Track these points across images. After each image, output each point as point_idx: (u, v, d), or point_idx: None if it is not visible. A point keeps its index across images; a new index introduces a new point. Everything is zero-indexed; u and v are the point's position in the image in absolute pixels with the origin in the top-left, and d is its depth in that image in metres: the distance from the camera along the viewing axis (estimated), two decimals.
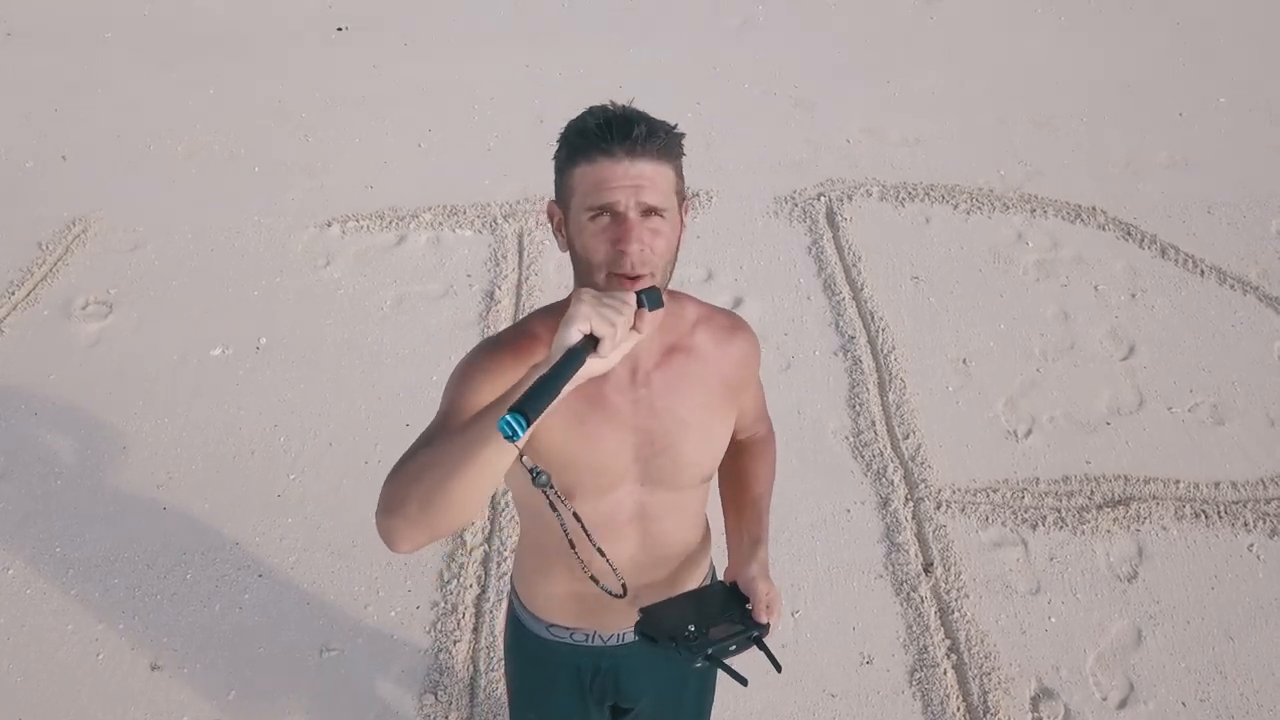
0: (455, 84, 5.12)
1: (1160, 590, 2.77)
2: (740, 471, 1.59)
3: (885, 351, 3.48)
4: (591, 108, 1.23)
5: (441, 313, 3.68)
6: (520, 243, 4.00)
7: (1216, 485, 3.07)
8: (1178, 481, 3.07)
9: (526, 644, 1.63)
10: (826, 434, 3.20)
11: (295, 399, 3.34)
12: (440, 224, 4.12)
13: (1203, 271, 3.87)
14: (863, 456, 3.13)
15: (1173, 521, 2.95)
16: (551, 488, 1.18)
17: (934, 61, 5.29)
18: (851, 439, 3.19)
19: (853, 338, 3.54)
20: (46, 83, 5.20)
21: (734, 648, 1.31)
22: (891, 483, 3.04)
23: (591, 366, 1.09)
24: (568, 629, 1.58)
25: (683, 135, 1.25)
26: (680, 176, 1.26)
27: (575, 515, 1.25)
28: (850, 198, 4.24)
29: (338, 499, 3.02)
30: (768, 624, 1.35)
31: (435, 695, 2.53)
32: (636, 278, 1.19)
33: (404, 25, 5.70)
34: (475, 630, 2.67)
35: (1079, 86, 5.06)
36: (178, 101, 5.01)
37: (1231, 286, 3.80)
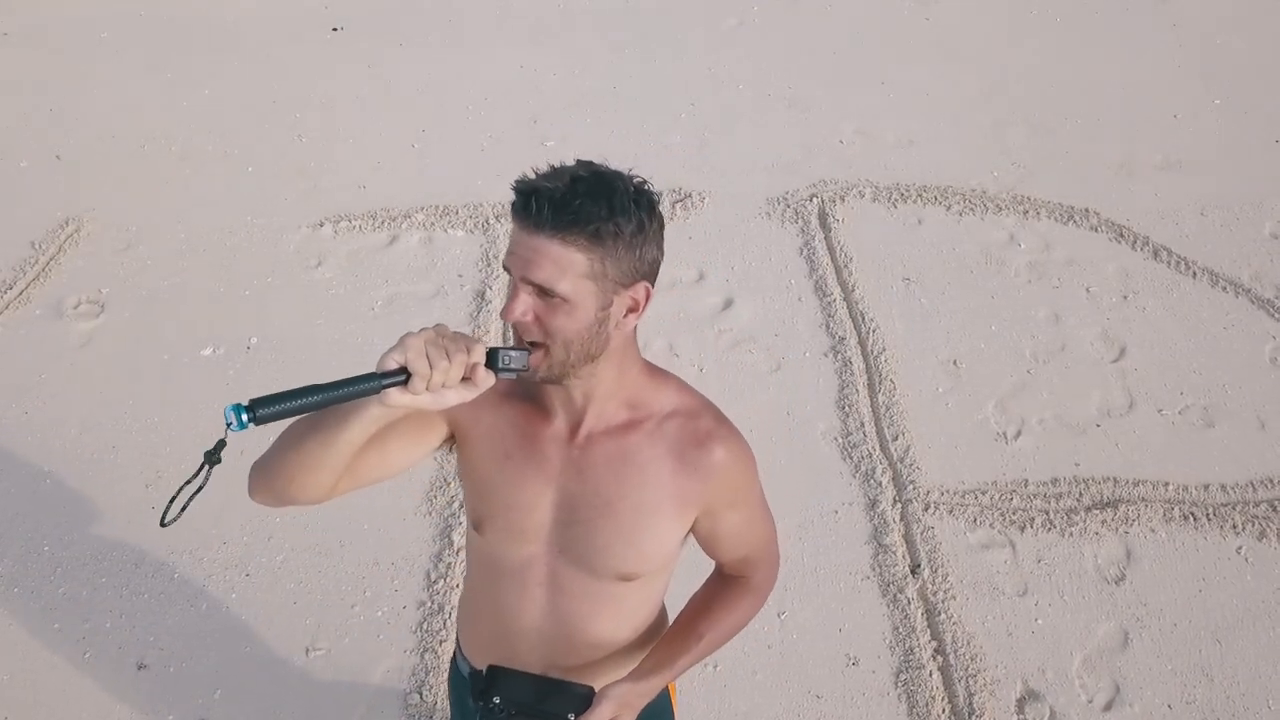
0: (449, 84, 5.13)
1: (1147, 593, 2.77)
2: (701, 602, 1.49)
3: (876, 353, 3.48)
4: (555, 167, 1.19)
5: (432, 313, 3.68)
6: None
7: (1206, 488, 3.06)
8: (1167, 484, 3.07)
9: (458, 680, 1.65)
10: (815, 435, 3.20)
11: None
12: (432, 224, 4.12)
13: (1195, 274, 3.87)
14: (851, 458, 3.13)
15: (1161, 524, 2.95)
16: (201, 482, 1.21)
17: (929, 62, 5.29)
18: (840, 440, 3.19)
19: (843, 339, 3.54)
20: (42, 82, 5.21)
21: None
22: (880, 484, 3.04)
23: (411, 400, 1.07)
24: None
25: (619, 226, 1.15)
26: (608, 264, 1.16)
27: None
28: (843, 199, 4.24)
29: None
30: None
31: (420, 695, 2.53)
32: (533, 343, 1.18)
33: (400, 26, 5.70)
34: None
35: (1074, 88, 5.06)
36: (172, 102, 5.01)
37: (1224, 289, 3.80)
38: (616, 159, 4.44)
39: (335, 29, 5.66)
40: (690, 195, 4.26)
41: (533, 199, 1.13)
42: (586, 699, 1.33)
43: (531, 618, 1.42)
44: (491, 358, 1.11)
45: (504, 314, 1.18)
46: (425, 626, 2.68)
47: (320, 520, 2.95)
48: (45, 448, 3.21)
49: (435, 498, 3.00)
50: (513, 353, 1.13)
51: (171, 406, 3.33)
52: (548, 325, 1.17)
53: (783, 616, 2.71)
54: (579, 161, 1.20)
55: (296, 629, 2.69)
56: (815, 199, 4.24)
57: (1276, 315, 3.68)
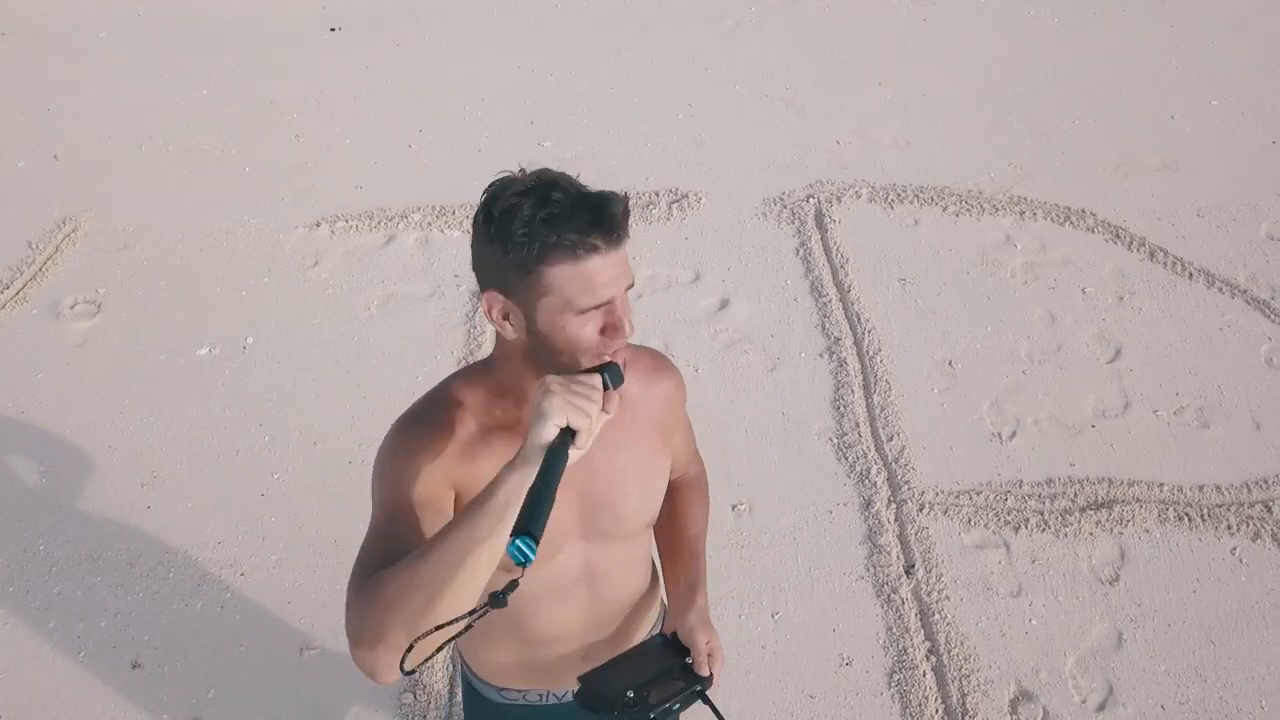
0: (446, 85, 5.13)
1: (1142, 593, 2.77)
2: (674, 514, 1.53)
3: (871, 353, 3.48)
4: (534, 192, 1.09)
5: (428, 313, 3.69)
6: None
7: (1200, 488, 3.06)
8: (1161, 484, 3.07)
9: (481, 707, 1.59)
10: (810, 435, 3.21)
11: (280, 399, 3.35)
12: (429, 224, 4.13)
13: (1191, 274, 3.87)
14: (846, 458, 3.13)
15: (1156, 524, 2.95)
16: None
17: (926, 63, 5.29)
18: (835, 440, 3.19)
19: (839, 339, 3.54)
20: (40, 82, 5.21)
21: (677, 707, 1.28)
22: (875, 484, 3.04)
23: (577, 455, 1.06)
24: (519, 691, 1.53)
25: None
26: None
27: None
28: (839, 199, 4.24)
29: (321, 498, 3.02)
30: (710, 676, 1.31)
31: (414, 694, 2.53)
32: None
33: (397, 26, 5.70)
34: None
35: (1071, 88, 5.06)
36: (170, 102, 5.02)
37: (1220, 289, 3.80)
38: (613, 159, 4.46)
39: (333, 29, 5.67)
40: (687, 196, 4.26)
41: (604, 218, 1.09)
42: (669, 642, 1.35)
43: (572, 616, 1.42)
44: (604, 384, 1.12)
45: (619, 334, 1.14)
46: None
47: (315, 520, 2.95)
48: (41, 446, 3.22)
49: None
50: (611, 368, 1.14)
51: (167, 406, 3.33)
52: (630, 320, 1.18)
53: (777, 617, 2.71)
54: (506, 184, 1.13)
55: (291, 628, 2.70)
56: (812, 199, 4.24)
57: (1272, 316, 3.68)
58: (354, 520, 2.91)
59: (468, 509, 1.07)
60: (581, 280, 1.10)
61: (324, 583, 2.80)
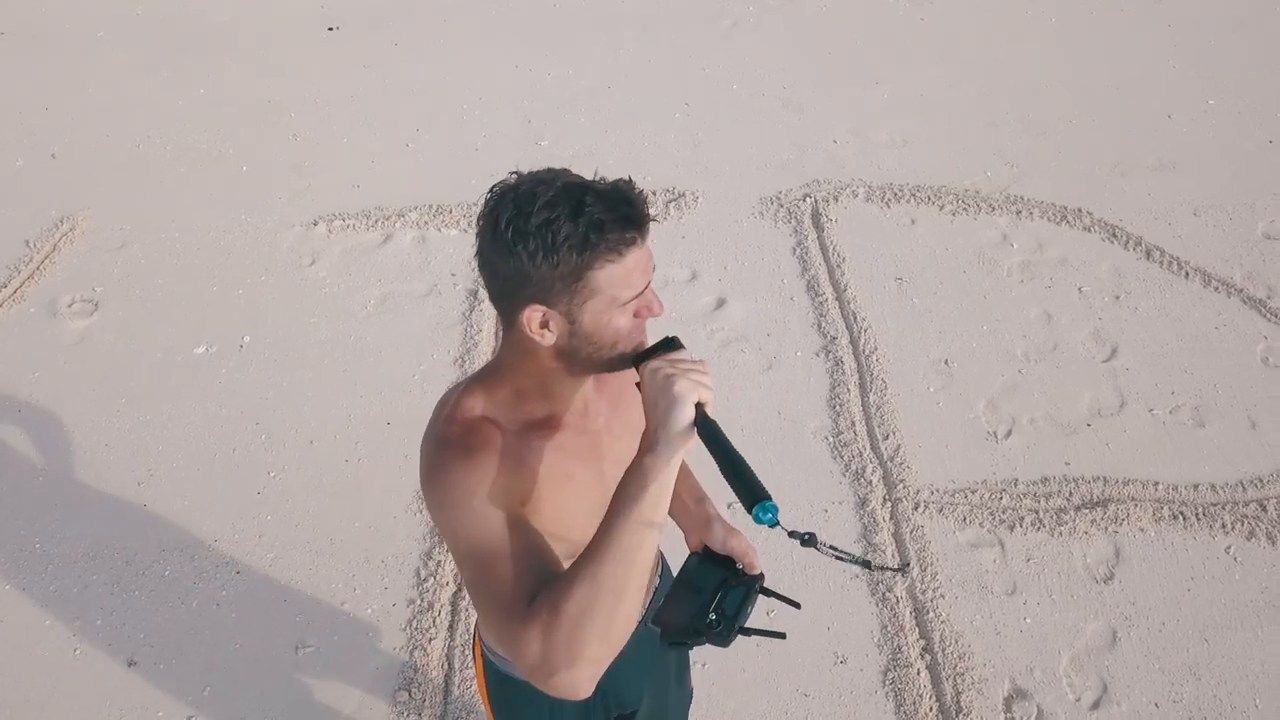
0: (444, 84, 5.13)
1: (1136, 592, 2.78)
2: None
3: (867, 352, 3.48)
4: (566, 198, 1.10)
5: (425, 312, 3.69)
6: None
7: (1195, 487, 3.07)
8: (1157, 483, 3.07)
9: (514, 690, 1.54)
10: (806, 434, 3.21)
11: (277, 397, 3.35)
12: (426, 223, 4.13)
13: (1187, 274, 3.87)
14: (842, 457, 3.13)
15: (1151, 523, 2.95)
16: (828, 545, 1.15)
17: (923, 63, 5.29)
18: (831, 439, 3.19)
19: (835, 338, 3.54)
20: (37, 81, 5.21)
21: (750, 609, 1.33)
22: (870, 483, 3.05)
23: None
24: None
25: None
26: None
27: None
28: (836, 199, 4.24)
29: (317, 497, 3.02)
30: (762, 572, 1.36)
31: (409, 692, 2.53)
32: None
33: (395, 25, 5.71)
34: (450, 628, 2.68)
35: (1069, 88, 5.06)
36: (167, 101, 5.02)
37: (1216, 289, 3.80)
38: (610, 159, 4.46)
39: (331, 29, 5.67)
40: (684, 195, 4.26)
41: (636, 212, 1.13)
42: (704, 555, 1.41)
43: None
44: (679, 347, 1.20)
45: (651, 314, 1.21)
46: (415, 624, 2.68)
47: (311, 518, 2.96)
48: (38, 445, 3.22)
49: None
50: (672, 342, 1.22)
51: (164, 404, 3.34)
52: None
53: (771, 615, 2.71)
54: (531, 195, 1.12)
55: (286, 626, 2.70)
56: (809, 199, 4.24)
57: (1268, 315, 3.68)
58: (350, 519, 2.95)
59: (623, 505, 1.09)
60: (623, 275, 1.13)
61: (320, 581, 2.80)
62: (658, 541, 1.10)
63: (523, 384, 1.27)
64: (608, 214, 1.10)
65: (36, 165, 4.58)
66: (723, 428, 1.13)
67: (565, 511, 1.30)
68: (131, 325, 3.67)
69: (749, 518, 1.08)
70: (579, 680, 1.06)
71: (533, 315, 1.16)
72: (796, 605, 1.37)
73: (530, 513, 1.24)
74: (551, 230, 1.09)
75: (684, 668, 1.84)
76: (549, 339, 1.18)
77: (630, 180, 1.15)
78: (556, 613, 1.06)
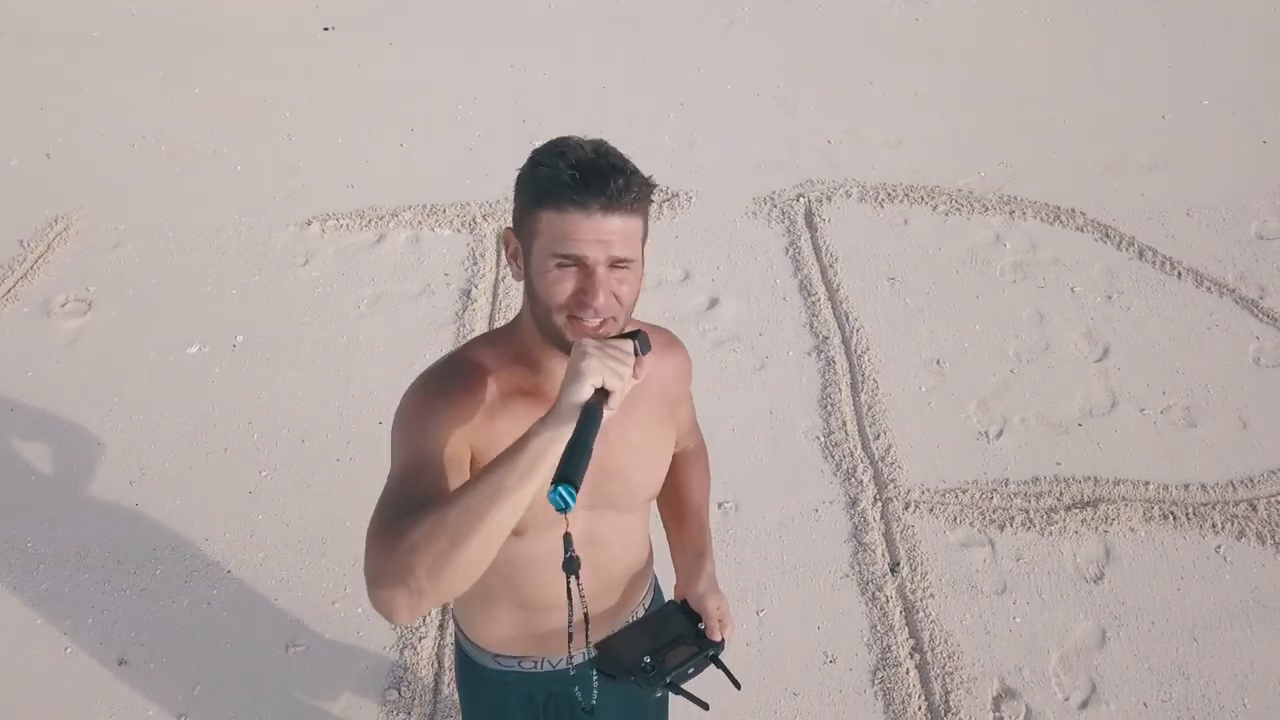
0: (439, 84, 5.14)
1: (1126, 591, 2.78)
2: (678, 485, 1.59)
3: (859, 352, 3.49)
4: (563, 147, 1.18)
5: (418, 311, 3.69)
6: (499, 242, 4.01)
7: (1186, 487, 3.07)
8: (1147, 483, 3.08)
9: (475, 675, 1.61)
10: (797, 434, 3.21)
11: (269, 396, 3.36)
12: (419, 223, 4.13)
13: (1180, 274, 3.88)
14: (833, 456, 3.14)
15: (1141, 523, 2.96)
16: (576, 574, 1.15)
17: (918, 63, 5.29)
18: (822, 439, 3.20)
19: (827, 338, 3.55)
20: (33, 81, 5.22)
21: (692, 670, 1.33)
22: (861, 482, 3.05)
23: (610, 415, 1.10)
24: (515, 658, 1.55)
25: (654, 185, 1.23)
26: (647, 220, 1.24)
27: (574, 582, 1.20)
28: (830, 199, 4.24)
29: (309, 496, 3.03)
30: (723, 641, 1.35)
31: (399, 691, 2.54)
32: (601, 323, 1.20)
33: (390, 25, 5.71)
34: (440, 627, 2.68)
35: (1063, 88, 5.07)
36: (162, 100, 5.02)
37: (1208, 289, 3.81)
38: None
39: (326, 29, 5.68)
40: (678, 195, 4.27)
41: (607, 179, 1.15)
42: (680, 608, 1.40)
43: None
44: (635, 350, 1.16)
45: (587, 298, 1.18)
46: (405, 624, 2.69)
47: (302, 518, 2.96)
48: (30, 444, 3.22)
49: None
50: (640, 336, 1.19)
51: (157, 404, 3.34)
52: (621, 296, 1.21)
53: (761, 614, 2.72)
54: (557, 140, 1.21)
55: (277, 626, 2.70)
56: (802, 199, 4.25)
57: (1260, 315, 3.69)
58: (341, 518, 2.95)
59: (497, 461, 1.11)
60: (561, 229, 1.17)
61: (311, 580, 2.81)
62: (513, 513, 1.08)
63: (521, 349, 1.32)
64: (575, 168, 1.16)
65: (31, 164, 4.58)
66: (603, 426, 1.10)
67: None
68: (124, 325, 3.67)
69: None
70: (395, 601, 1.09)
71: (509, 237, 1.28)
72: (737, 686, 1.38)
73: (479, 464, 1.28)
74: (537, 164, 1.20)
75: (664, 702, 1.77)
76: (516, 273, 1.27)
77: (632, 173, 1.18)
78: (400, 536, 1.09)
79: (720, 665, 1.36)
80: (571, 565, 1.14)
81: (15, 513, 3.00)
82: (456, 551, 1.07)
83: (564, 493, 1.02)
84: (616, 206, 1.16)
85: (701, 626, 1.37)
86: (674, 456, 1.58)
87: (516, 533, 1.30)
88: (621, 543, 1.48)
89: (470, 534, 1.07)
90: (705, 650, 1.34)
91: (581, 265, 1.18)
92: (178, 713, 2.52)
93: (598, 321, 1.20)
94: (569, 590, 1.17)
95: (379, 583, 1.10)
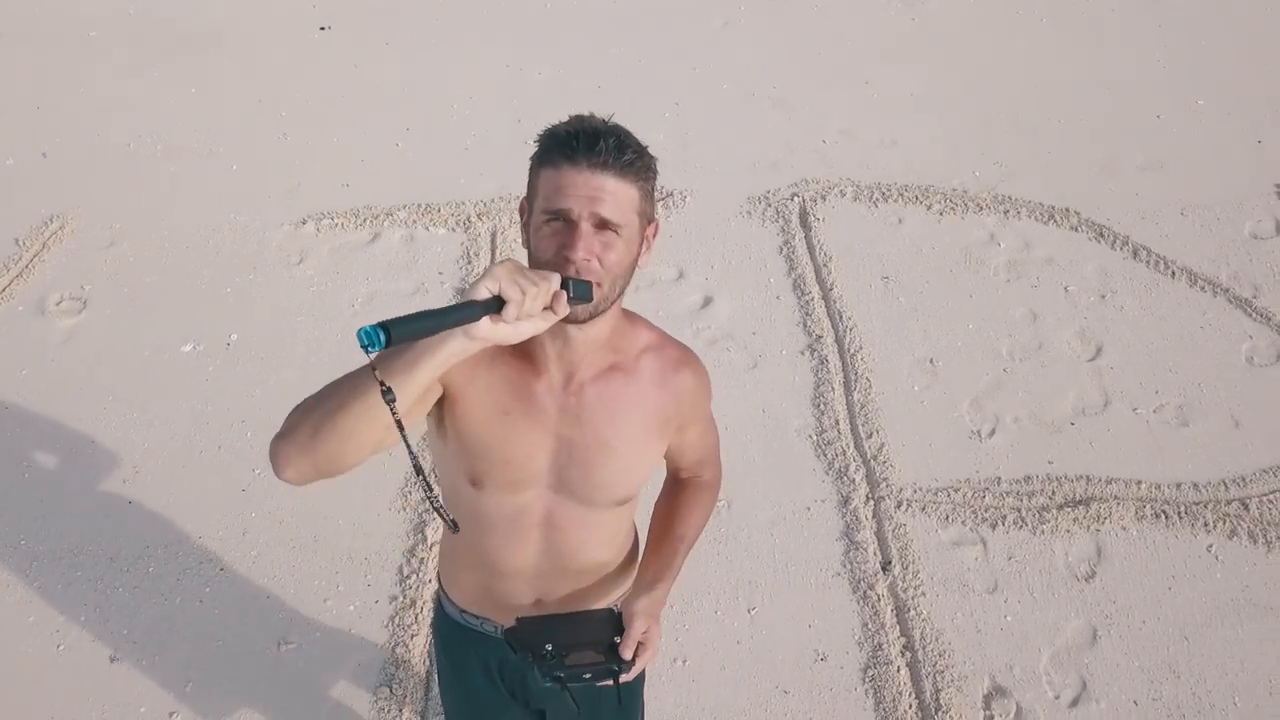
0: (435, 83, 5.13)
1: (1117, 590, 2.79)
2: (671, 510, 1.61)
3: (852, 351, 3.49)
4: (573, 116, 1.26)
5: (412, 310, 3.69)
6: (493, 241, 4.02)
7: (1178, 486, 3.08)
8: (1139, 482, 3.08)
9: (444, 627, 1.69)
10: (789, 432, 3.22)
11: (263, 395, 3.36)
12: (414, 222, 4.14)
13: (1173, 273, 3.88)
14: (825, 455, 3.14)
15: (1133, 522, 2.96)
16: (394, 409, 1.12)
17: (913, 63, 5.29)
18: (815, 437, 3.20)
19: (820, 337, 3.55)
20: (29, 80, 5.21)
21: (588, 676, 1.33)
22: (853, 481, 3.05)
23: (493, 331, 1.09)
24: (478, 617, 1.61)
25: (654, 160, 1.28)
26: (647, 200, 1.28)
27: (426, 483, 1.24)
28: (824, 198, 4.25)
29: (301, 494, 3.01)
30: (631, 662, 1.34)
31: (390, 689, 2.54)
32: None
33: (387, 25, 5.71)
34: (433, 626, 2.68)
35: (1057, 88, 5.07)
36: (159, 100, 5.02)
37: (1202, 288, 3.81)
38: None
39: (322, 28, 5.68)
40: (673, 194, 4.27)
41: (599, 137, 1.21)
42: (615, 619, 1.39)
43: (526, 558, 1.48)
44: (564, 286, 1.15)
45: (568, 251, 1.21)
46: (397, 621, 2.69)
47: (294, 515, 2.97)
48: (25, 442, 3.22)
49: (409, 493, 3.02)
50: (579, 282, 1.18)
51: (151, 402, 3.34)
52: (605, 261, 1.23)
53: (753, 612, 2.72)
54: (575, 115, 1.27)
55: (269, 623, 2.71)
56: (797, 198, 4.25)
57: (1254, 315, 3.69)
58: (333, 516, 2.95)
59: (388, 355, 1.14)
60: (552, 184, 1.23)
61: (303, 578, 2.81)
62: (385, 410, 1.11)
63: None
64: (566, 127, 1.24)
65: (27, 163, 4.58)
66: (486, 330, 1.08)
67: (476, 431, 1.36)
68: (119, 324, 3.68)
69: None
70: (281, 453, 1.21)
71: (522, 207, 1.33)
72: (577, 706, 1.39)
73: (450, 401, 1.35)
74: (546, 133, 1.27)
75: (632, 705, 1.77)
76: (525, 239, 1.31)
77: (625, 135, 1.25)
78: (303, 401, 1.21)
79: (616, 684, 1.35)
80: (389, 395, 1.11)
81: (8, 510, 3.01)
82: (334, 417, 1.16)
83: (371, 330, 1.00)
84: (606, 166, 1.21)
85: (618, 640, 1.36)
86: (679, 483, 1.62)
87: (473, 484, 1.40)
88: (579, 535, 1.48)
89: (348, 403, 1.15)
90: (610, 663, 1.34)
91: (567, 220, 1.22)
92: (169, 710, 2.53)
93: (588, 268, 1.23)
94: (397, 420, 1.13)
95: (276, 436, 1.22)
